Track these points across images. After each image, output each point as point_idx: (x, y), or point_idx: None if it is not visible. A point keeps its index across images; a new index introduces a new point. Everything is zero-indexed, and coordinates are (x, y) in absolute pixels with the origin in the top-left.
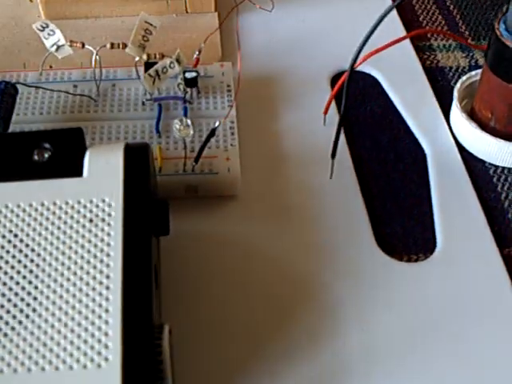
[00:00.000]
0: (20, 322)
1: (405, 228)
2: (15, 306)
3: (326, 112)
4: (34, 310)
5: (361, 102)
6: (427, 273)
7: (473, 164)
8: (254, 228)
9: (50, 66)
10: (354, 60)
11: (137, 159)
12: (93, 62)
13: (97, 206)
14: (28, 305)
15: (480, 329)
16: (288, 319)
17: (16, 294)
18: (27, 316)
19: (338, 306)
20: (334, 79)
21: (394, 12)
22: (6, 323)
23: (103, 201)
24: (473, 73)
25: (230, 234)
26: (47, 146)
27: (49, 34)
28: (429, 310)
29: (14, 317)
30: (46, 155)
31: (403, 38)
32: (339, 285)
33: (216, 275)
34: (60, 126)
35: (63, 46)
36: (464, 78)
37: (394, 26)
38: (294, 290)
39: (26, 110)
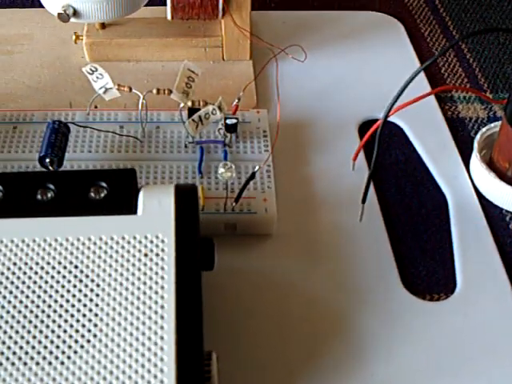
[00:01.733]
0: (82, 347)
1: (428, 269)
2: (77, 331)
3: (355, 158)
4: (95, 336)
5: (386, 150)
6: (448, 311)
7: (491, 210)
8: (287, 265)
9: (96, 106)
10: (387, 114)
11: (186, 199)
12: (139, 106)
13: (151, 242)
14: (89, 331)
15: (497, 365)
16: (318, 351)
17: (77, 321)
18: (88, 341)
19: (366, 341)
20: (362, 127)
21: (418, 65)
22: (69, 347)
23: (157, 237)
24: (492, 125)
25: (265, 270)
26: (103, 184)
27: (97, 78)
28: (449, 345)
29: (76, 341)
30: (103, 193)
31: (429, 94)
32: (367, 321)
33: (251, 308)
34: (108, 164)
35: (111, 88)
36: (484, 129)
37: (419, 77)
38: (324, 323)
39: (76, 148)
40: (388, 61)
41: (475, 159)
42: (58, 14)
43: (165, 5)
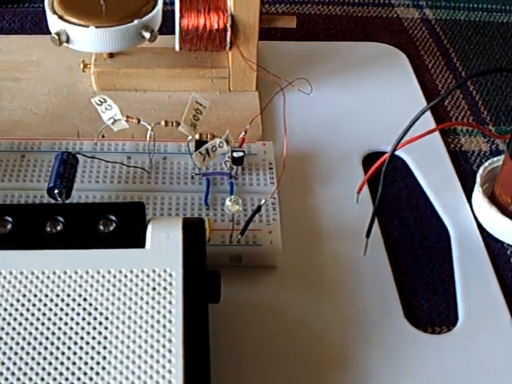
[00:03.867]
0: (91, 379)
1: (430, 302)
2: (86, 363)
3: (359, 192)
4: (104, 369)
5: (389, 182)
6: (450, 344)
7: (492, 244)
8: (292, 297)
9: (103, 136)
10: (393, 150)
11: (194, 233)
12: (147, 137)
13: (159, 276)
14: (98, 363)
15: None
16: (323, 381)
17: (86, 353)
18: (97, 373)
19: (369, 373)
20: (366, 159)
21: (422, 96)
22: (78, 379)
23: (165, 271)
24: (494, 159)
25: (270, 301)
26: (112, 217)
27: (106, 109)
28: (451, 378)
29: (85, 374)
30: (111, 226)
31: (434, 130)
32: (370, 353)
33: (256, 339)
34: (115, 195)
35: (120, 120)
36: (486, 164)
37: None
38: (328, 355)
39: (83, 179)
40: (392, 92)
41: (477, 193)
42: (52, 36)
43: (171, 33)
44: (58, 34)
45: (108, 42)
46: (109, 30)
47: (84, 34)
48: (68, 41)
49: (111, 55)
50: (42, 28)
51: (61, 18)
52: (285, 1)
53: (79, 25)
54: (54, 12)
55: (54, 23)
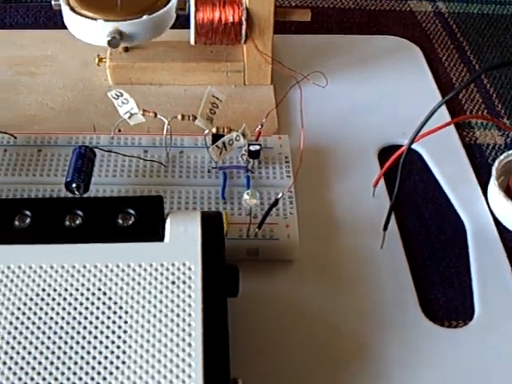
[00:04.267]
0: (111, 373)
1: (446, 296)
2: (106, 358)
3: (375, 185)
4: (124, 363)
5: (405, 176)
6: (466, 338)
7: (508, 237)
8: (309, 290)
9: (119, 130)
10: (410, 144)
11: (212, 227)
12: (164, 131)
13: (178, 269)
14: (118, 357)
15: None
16: (340, 376)
17: (106, 347)
18: (117, 367)
19: (386, 366)
20: (381, 152)
21: (436, 90)
22: (99, 373)
23: (184, 264)
24: (510, 152)
25: (287, 295)
26: (131, 211)
27: (123, 102)
28: (467, 371)
29: (105, 368)
30: (130, 220)
31: (449, 123)
32: (387, 346)
33: (274, 333)
34: (132, 189)
35: (136, 114)
36: (502, 157)
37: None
38: (346, 348)
39: (100, 172)
40: (406, 86)
41: (493, 186)
42: (108, 41)
43: (185, 27)
44: (113, 35)
45: (159, 26)
46: (133, 23)
47: (137, 25)
48: (122, 37)
49: (126, 49)
50: (57, 22)
51: (73, 10)
52: None
53: (86, 17)
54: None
55: (105, 27)
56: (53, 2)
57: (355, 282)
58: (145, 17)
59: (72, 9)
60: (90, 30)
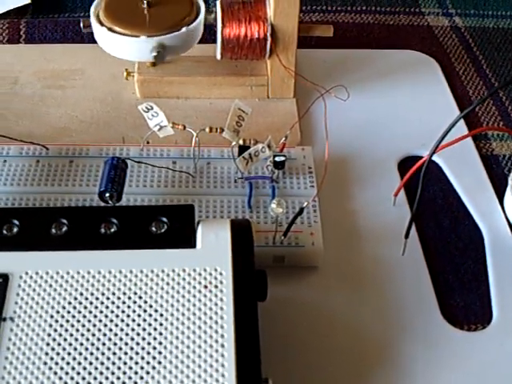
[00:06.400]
0: (148, 373)
1: (465, 301)
2: (142, 358)
3: (396, 194)
4: (160, 363)
5: (425, 186)
6: (485, 341)
7: None
8: (332, 296)
9: (148, 142)
10: (431, 155)
11: (242, 234)
12: (193, 143)
13: (210, 274)
14: (154, 358)
15: None
16: (364, 376)
17: (143, 348)
18: (153, 367)
19: (407, 369)
20: (401, 163)
21: (454, 103)
22: (136, 373)
23: (215, 270)
24: None
25: (312, 300)
26: (164, 219)
27: (153, 115)
28: (486, 374)
29: (142, 368)
30: (163, 228)
31: (468, 136)
32: (408, 349)
33: (301, 336)
34: (163, 198)
35: (166, 126)
36: None
37: (454, 115)
38: (369, 352)
39: (131, 183)
40: (425, 99)
41: (509, 196)
42: (155, 56)
43: (211, 42)
44: (158, 50)
45: (195, 38)
46: (175, 36)
47: (179, 38)
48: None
49: (153, 64)
50: (83, 37)
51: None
52: (318, 10)
53: (128, 35)
54: (102, 24)
55: (148, 43)
56: (82, 26)
57: (377, 288)
58: (184, 29)
59: (110, 29)
60: (134, 47)
